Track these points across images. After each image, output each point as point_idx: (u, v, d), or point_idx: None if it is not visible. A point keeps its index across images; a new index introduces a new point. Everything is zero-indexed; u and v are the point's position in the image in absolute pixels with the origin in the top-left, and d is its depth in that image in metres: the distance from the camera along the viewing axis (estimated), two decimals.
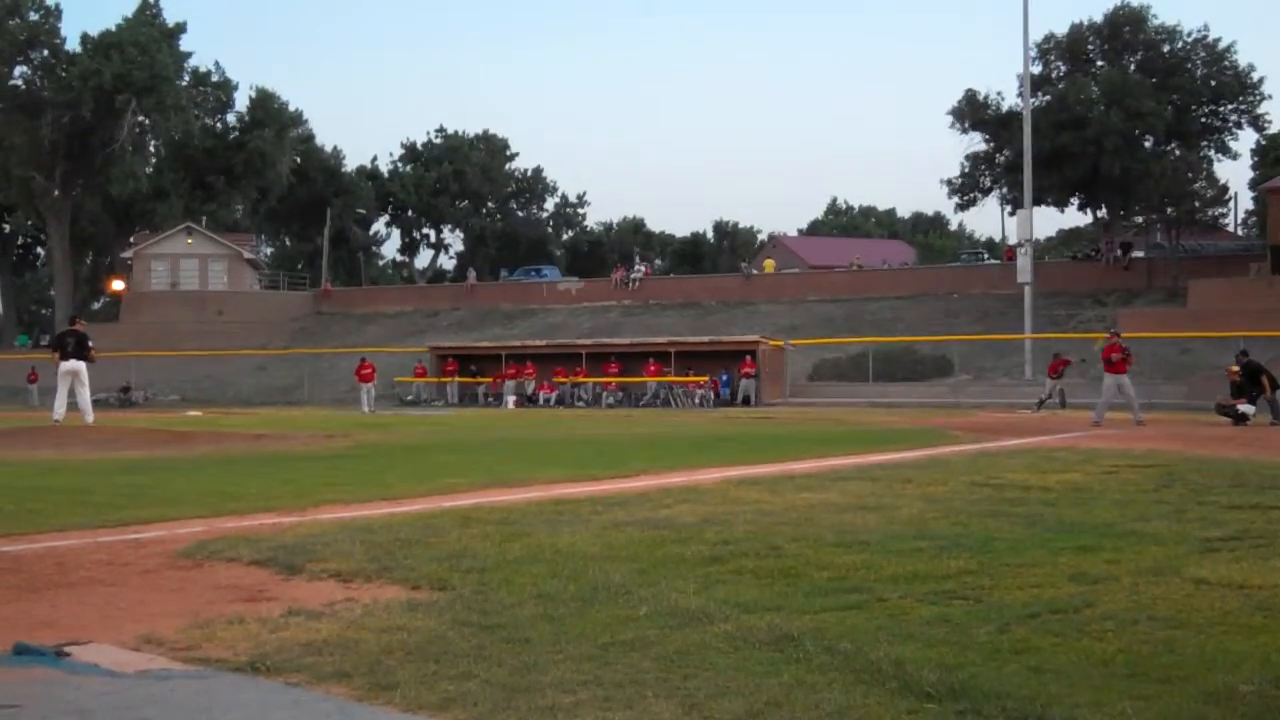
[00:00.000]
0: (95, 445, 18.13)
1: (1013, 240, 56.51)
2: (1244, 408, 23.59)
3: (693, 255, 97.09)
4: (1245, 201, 72.36)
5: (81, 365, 21.10)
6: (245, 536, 7.64)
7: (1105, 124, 53.89)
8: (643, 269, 67.50)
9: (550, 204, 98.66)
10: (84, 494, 10.60)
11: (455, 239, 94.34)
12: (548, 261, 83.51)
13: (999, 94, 61.02)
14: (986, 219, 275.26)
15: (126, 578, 6.41)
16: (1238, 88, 56.93)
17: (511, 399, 43.81)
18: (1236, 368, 24.99)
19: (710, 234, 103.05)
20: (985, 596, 5.61)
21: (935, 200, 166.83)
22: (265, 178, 74.59)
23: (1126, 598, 5.58)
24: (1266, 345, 32.79)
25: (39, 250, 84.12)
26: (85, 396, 21.18)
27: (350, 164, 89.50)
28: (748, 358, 42.29)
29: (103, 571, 6.58)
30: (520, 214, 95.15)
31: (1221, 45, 57.10)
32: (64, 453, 16.65)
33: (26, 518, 8.78)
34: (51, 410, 21.31)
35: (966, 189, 63.13)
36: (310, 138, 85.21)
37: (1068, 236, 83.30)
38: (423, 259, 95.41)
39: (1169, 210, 59.53)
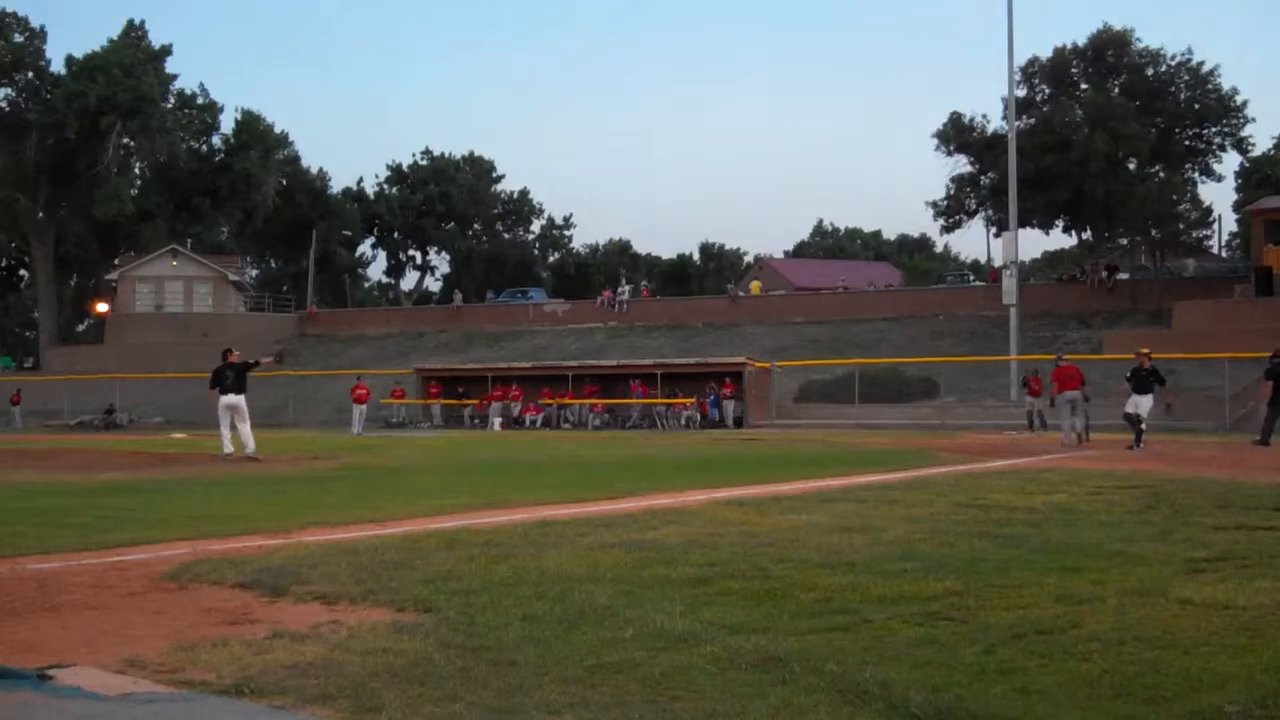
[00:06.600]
0: (79, 467, 18.06)
1: (998, 262, 56.60)
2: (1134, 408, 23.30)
3: (679, 277, 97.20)
4: (1229, 224, 72.99)
5: (241, 399, 21.04)
6: (230, 559, 7.62)
7: (1090, 147, 54.12)
8: (628, 290, 67.35)
9: (536, 226, 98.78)
10: (67, 516, 10.54)
11: (441, 261, 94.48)
12: (534, 283, 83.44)
13: (984, 117, 61.32)
14: (972, 241, 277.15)
15: (110, 600, 6.37)
16: (1221, 110, 57.24)
17: (497, 421, 43.68)
18: (1147, 349, 24.96)
19: (696, 256, 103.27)
20: (971, 617, 5.61)
21: (921, 222, 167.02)
22: (251, 200, 74.36)
23: (1112, 618, 5.59)
24: (1251, 367, 32.91)
25: (23, 272, 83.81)
26: (246, 429, 20.97)
27: (336, 186, 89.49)
28: (726, 379, 42.32)
29: (86, 594, 6.55)
30: (506, 236, 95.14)
31: (1205, 68, 57.45)
32: (47, 475, 16.57)
33: (8, 540, 8.73)
34: (221, 447, 20.95)
35: (952, 211, 63.32)
36: (296, 160, 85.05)
37: (1053, 258, 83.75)
38: (409, 281, 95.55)
39: (1153, 232, 59.84)
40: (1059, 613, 5.72)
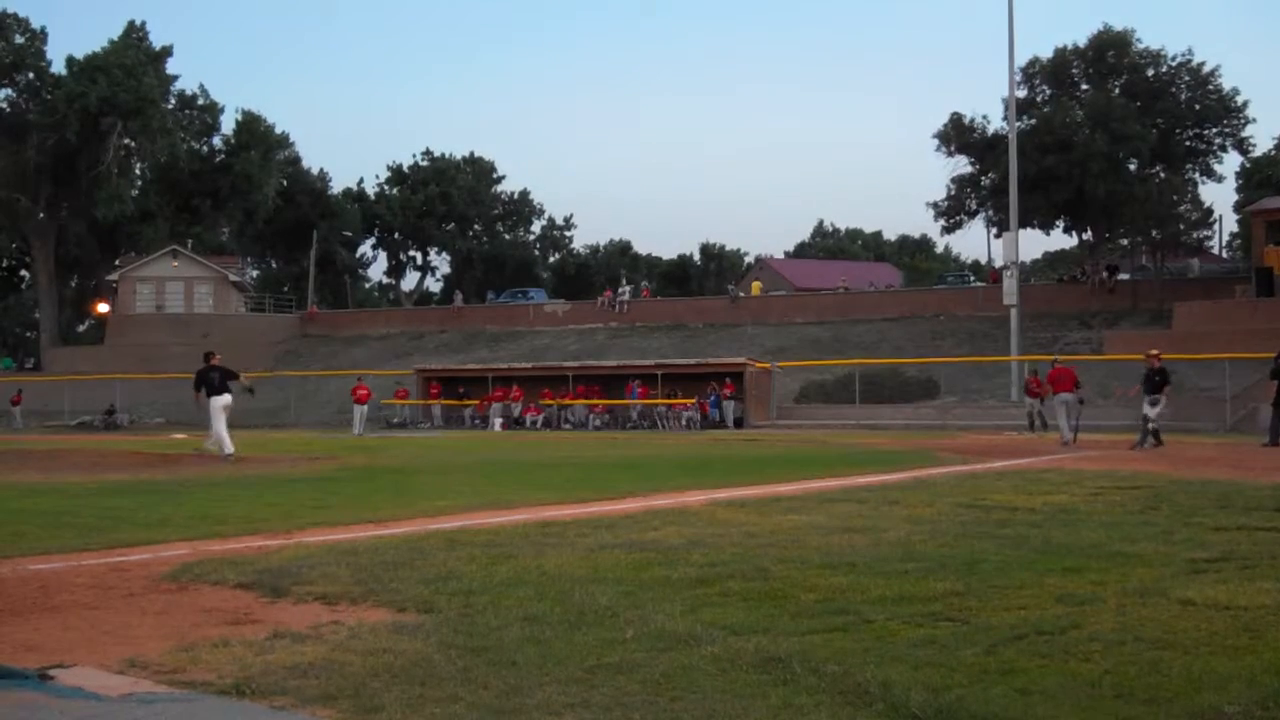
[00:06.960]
0: (80, 468, 18.07)
1: (999, 263, 56.59)
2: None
3: (679, 277, 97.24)
4: (1230, 224, 72.94)
5: (230, 397, 21.05)
6: (231, 559, 7.62)
7: (1090, 147, 54.08)
8: (628, 290, 67.31)
9: (537, 226, 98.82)
10: (68, 517, 10.55)
11: (442, 261, 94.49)
12: (534, 284, 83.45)
13: (985, 117, 61.22)
14: (972, 241, 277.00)
15: (111, 601, 6.37)
16: (1222, 111, 57.18)
17: (498, 421, 43.67)
18: (1156, 351, 25.16)
19: (697, 256, 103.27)
20: (972, 618, 5.61)
21: (922, 223, 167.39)
22: (251, 200, 74.33)
23: (1113, 619, 5.58)
24: (1252, 368, 32.90)
25: (24, 273, 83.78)
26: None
27: (337, 186, 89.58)
28: (727, 380, 42.33)
29: (87, 595, 6.55)
30: (507, 236, 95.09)
31: (1206, 69, 57.39)
32: (48, 476, 16.58)
33: (10, 540, 8.73)
34: (222, 448, 20.78)
35: (952, 212, 63.27)
36: (296, 160, 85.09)
37: (1053, 259, 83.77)
38: (409, 281, 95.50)
39: (1154, 233, 59.78)
40: (1060, 613, 5.72)
